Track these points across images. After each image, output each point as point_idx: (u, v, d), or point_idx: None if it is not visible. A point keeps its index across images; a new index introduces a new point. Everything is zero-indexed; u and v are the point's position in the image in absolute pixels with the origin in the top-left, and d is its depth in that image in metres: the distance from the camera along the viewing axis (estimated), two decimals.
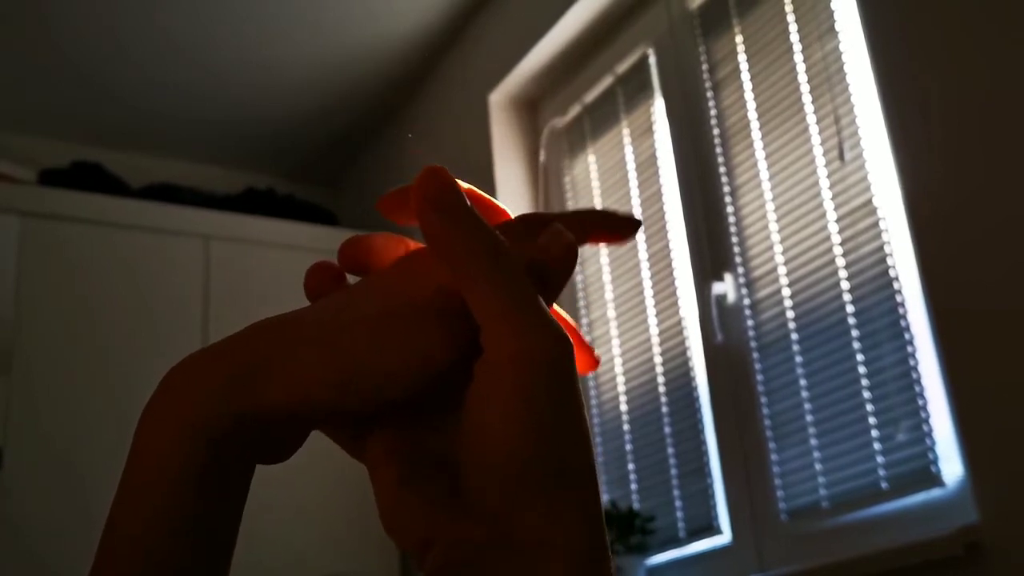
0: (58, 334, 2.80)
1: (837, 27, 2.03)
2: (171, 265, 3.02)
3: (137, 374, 2.86)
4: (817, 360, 2.00)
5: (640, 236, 2.50)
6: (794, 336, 2.05)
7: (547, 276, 0.37)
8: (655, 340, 2.41)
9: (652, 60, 2.55)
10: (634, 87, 2.59)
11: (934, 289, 1.75)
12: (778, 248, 2.11)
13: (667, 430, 2.35)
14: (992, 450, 1.63)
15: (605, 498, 2.44)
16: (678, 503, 2.29)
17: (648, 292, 2.45)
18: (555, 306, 0.39)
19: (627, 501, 2.40)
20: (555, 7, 2.67)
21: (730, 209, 2.25)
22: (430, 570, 0.35)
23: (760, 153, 2.18)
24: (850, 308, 1.94)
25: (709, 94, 2.34)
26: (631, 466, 2.44)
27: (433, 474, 0.36)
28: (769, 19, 2.20)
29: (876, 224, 1.90)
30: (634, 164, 2.56)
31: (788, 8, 2.15)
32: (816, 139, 2.05)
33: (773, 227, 2.13)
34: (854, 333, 1.92)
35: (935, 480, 1.75)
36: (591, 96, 2.74)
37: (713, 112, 2.33)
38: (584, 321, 2.61)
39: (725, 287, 2.22)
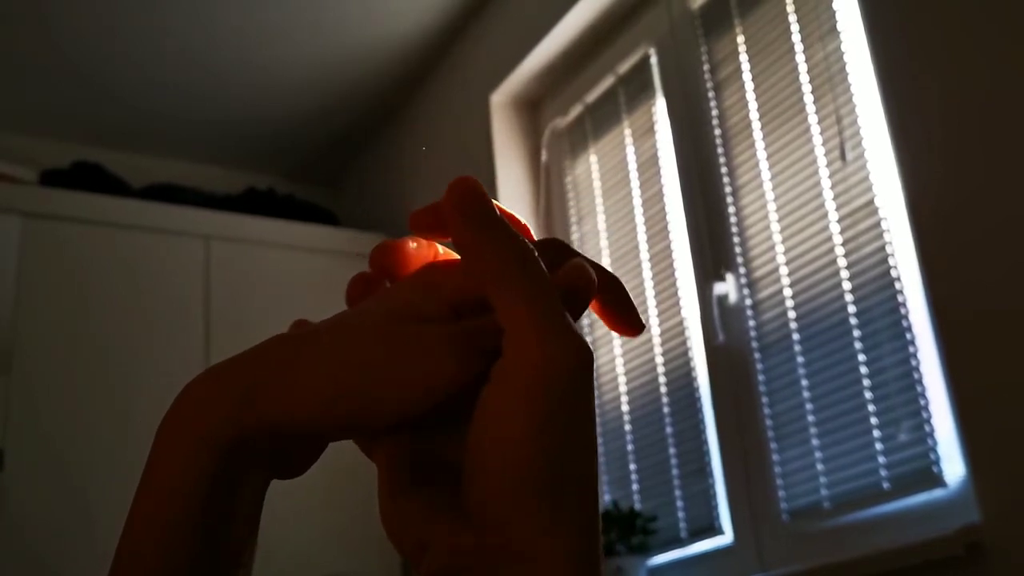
0: (59, 334, 2.80)
1: (839, 27, 2.03)
2: (172, 265, 3.02)
3: (138, 374, 2.86)
4: (818, 360, 2.00)
5: (642, 236, 2.50)
6: (795, 336, 2.05)
7: (567, 302, 0.37)
8: (656, 340, 2.41)
9: (653, 60, 2.54)
10: (635, 87, 2.59)
11: (935, 289, 1.74)
12: (779, 248, 2.11)
13: (668, 430, 2.35)
14: (993, 450, 1.63)
15: (607, 499, 2.44)
16: (679, 503, 2.29)
17: (650, 292, 2.45)
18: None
19: (628, 501, 2.39)
20: (556, 7, 2.67)
21: (731, 209, 2.25)
22: (425, 573, 0.35)
23: (761, 153, 2.18)
24: (851, 308, 1.93)
25: (710, 94, 2.34)
26: (632, 466, 2.43)
27: (435, 479, 0.36)
28: (771, 19, 2.20)
29: (877, 224, 1.90)
30: (635, 164, 2.56)
31: (790, 8, 2.15)
32: (817, 139, 2.05)
33: (775, 227, 2.13)
34: (855, 333, 1.92)
35: (936, 480, 1.75)
36: (592, 96, 2.74)
37: (714, 112, 2.32)
38: (586, 321, 2.61)
39: (726, 287, 2.22)
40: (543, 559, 0.33)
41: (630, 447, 2.45)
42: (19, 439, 2.64)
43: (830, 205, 2.00)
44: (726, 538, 2.17)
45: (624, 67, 2.63)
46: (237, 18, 2.96)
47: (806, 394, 2.00)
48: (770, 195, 2.15)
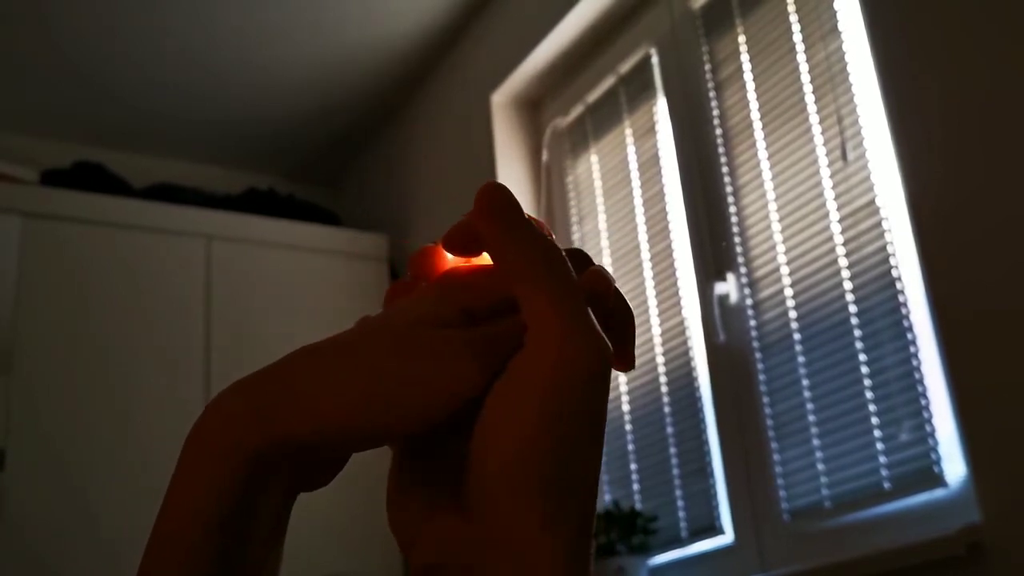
0: (59, 334, 2.80)
1: (840, 27, 2.03)
2: (173, 265, 3.02)
3: (138, 374, 2.86)
4: (819, 360, 2.00)
5: (643, 236, 2.50)
6: (796, 336, 2.05)
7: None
8: (657, 340, 2.41)
9: (655, 60, 2.54)
10: (636, 87, 2.59)
11: (936, 289, 1.74)
12: (780, 248, 2.11)
13: (669, 430, 2.35)
14: (994, 450, 1.63)
15: (607, 498, 2.44)
16: (680, 503, 2.29)
17: (650, 292, 2.45)
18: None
19: (629, 501, 2.39)
20: (557, 7, 2.67)
21: (732, 209, 2.25)
22: (416, 565, 0.36)
23: (763, 153, 2.18)
24: (852, 308, 1.93)
25: (712, 94, 2.34)
26: (633, 466, 2.43)
27: (438, 475, 0.37)
28: (772, 19, 2.20)
29: (879, 224, 1.90)
30: (636, 164, 2.56)
31: (791, 8, 2.15)
32: (819, 139, 2.05)
33: (775, 227, 2.13)
34: (856, 333, 1.92)
35: (937, 480, 1.75)
36: (593, 96, 2.74)
37: (716, 112, 2.32)
38: None
39: (727, 287, 2.22)
40: (537, 553, 0.33)
41: (631, 447, 2.45)
42: (19, 439, 2.64)
43: (831, 205, 2.00)
44: (727, 538, 2.17)
45: (625, 67, 2.63)
46: (237, 18, 2.96)
47: (807, 394, 2.00)
48: (771, 195, 2.15)
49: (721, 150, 2.29)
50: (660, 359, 2.40)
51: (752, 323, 2.16)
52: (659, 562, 2.29)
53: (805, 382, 2.01)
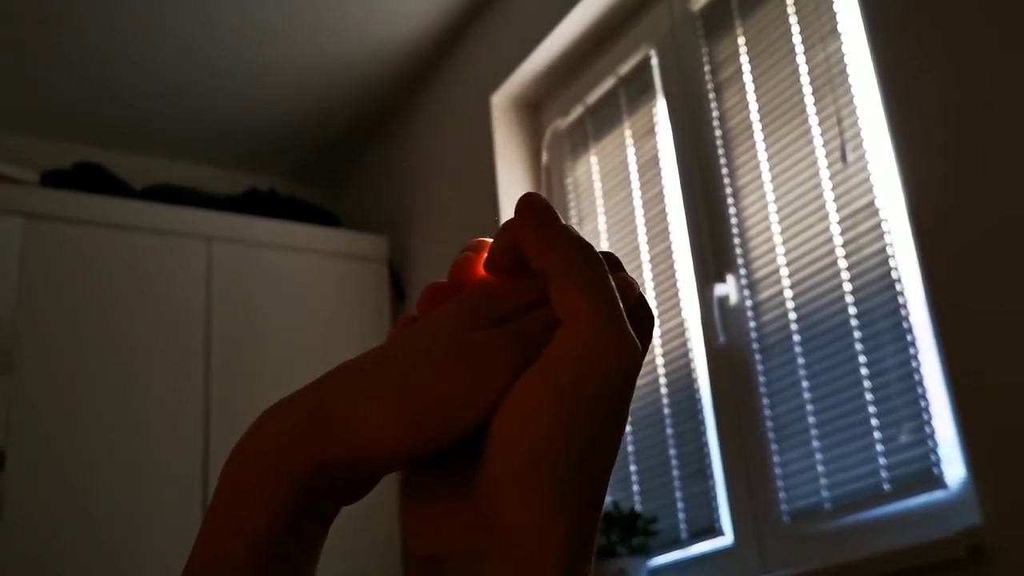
0: (60, 335, 2.80)
1: (839, 28, 2.03)
2: (173, 266, 3.02)
3: (138, 375, 2.86)
4: (819, 361, 2.00)
5: (642, 237, 2.50)
6: (796, 338, 2.05)
7: None
8: (657, 342, 2.41)
9: (654, 61, 2.54)
10: (636, 88, 2.59)
11: (936, 290, 1.74)
12: (780, 249, 2.11)
13: (669, 432, 2.35)
14: (994, 451, 1.63)
15: (607, 500, 2.44)
16: (680, 505, 2.29)
17: (650, 293, 2.45)
18: None
19: (629, 503, 2.39)
20: (557, 8, 2.67)
21: (732, 210, 2.25)
22: (416, 555, 0.36)
23: (762, 154, 2.18)
24: (852, 309, 1.93)
25: (711, 95, 2.34)
26: (633, 468, 2.43)
27: (451, 462, 0.37)
28: (771, 20, 2.20)
29: (878, 225, 1.90)
30: (636, 165, 2.56)
31: (790, 10, 2.15)
32: (818, 140, 2.05)
33: (775, 228, 2.13)
34: (856, 335, 1.92)
35: (937, 482, 1.75)
36: (593, 97, 2.74)
37: (715, 113, 2.32)
38: None
39: (727, 288, 2.22)
40: (539, 534, 0.33)
41: (631, 448, 2.45)
42: (20, 440, 2.64)
43: (831, 206, 2.00)
44: (727, 539, 2.17)
45: (625, 68, 2.63)
46: (237, 18, 2.96)
47: (807, 395, 2.00)
48: (771, 196, 2.15)
49: (721, 151, 2.29)
50: (660, 361, 2.40)
51: (752, 324, 2.16)
52: (659, 564, 2.29)
53: (805, 384, 2.01)
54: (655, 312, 2.41)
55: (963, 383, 1.68)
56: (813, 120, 2.06)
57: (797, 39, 2.13)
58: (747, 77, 2.25)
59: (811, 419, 1.99)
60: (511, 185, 2.85)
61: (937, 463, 1.75)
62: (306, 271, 3.21)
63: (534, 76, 2.87)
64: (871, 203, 1.92)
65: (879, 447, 1.85)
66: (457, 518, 0.35)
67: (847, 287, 1.95)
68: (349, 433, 0.35)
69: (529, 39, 2.78)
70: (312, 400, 0.36)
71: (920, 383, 1.80)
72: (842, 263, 1.96)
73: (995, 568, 1.60)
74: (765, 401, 2.09)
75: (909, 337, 1.83)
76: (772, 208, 2.14)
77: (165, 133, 3.46)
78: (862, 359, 1.90)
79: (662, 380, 2.38)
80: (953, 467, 1.73)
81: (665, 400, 2.37)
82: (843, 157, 1.97)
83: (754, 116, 2.21)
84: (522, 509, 0.33)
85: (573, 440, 0.34)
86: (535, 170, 2.90)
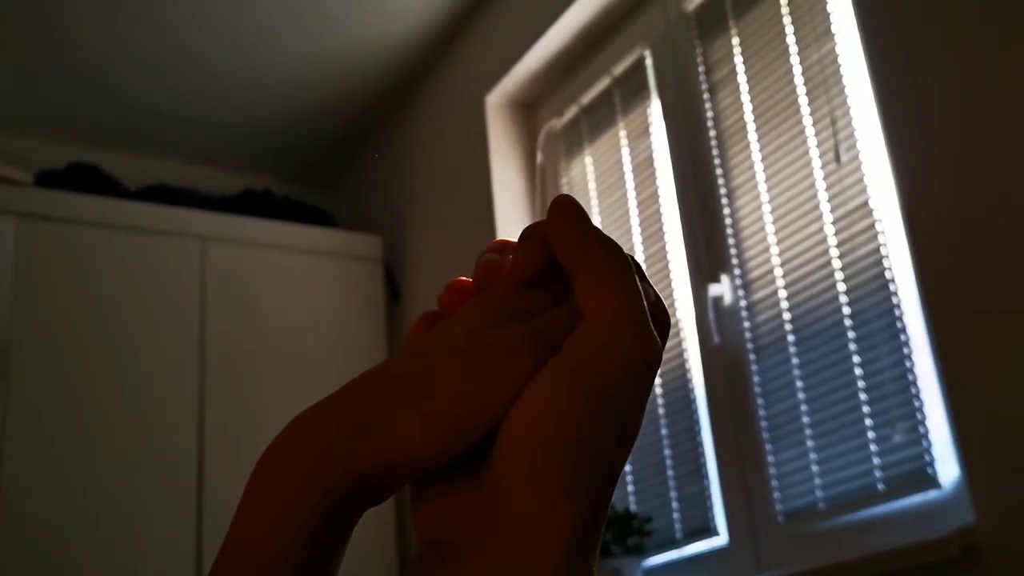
0: (55, 336, 2.80)
1: (833, 29, 2.04)
2: (168, 266, 3.02)
3: (134, 375, 2.86)
4: (814, 362, 2.00)
5: (637, 238, 2.50)
6: (791, 338, 2.05)
7: None
8: None
9: (649, 62, 2.55)
10: (631, 89, 2.60)
11: (930, 291, 1.75)
12: (775, 250, 2.11)
13: (664, 432, 2.35)
14: (988, 451, 1.63)
15: None
16: (675, 504, 2.29)
17: None
18: None
19: (624, 503, 2.40)
20: (552, 9, 2.67)
21: (727, 211, 2.25)
22: (420, 541, 0.36)
23: (756, 155, 2.19)
24: (846, 310, 1.94)
25: (706, 96, 2.34)
26: (628, 467, 2.44)
27: (460, 467, 0.37)
28: (766, 21, 2.21)
29: (872, 226, 1.91)
30: (631, 166, 2.57)
31: (785, 10, 2.16)
32: (812, 141, 2.05)
33: (769, 229, 2.13)
34: (850, 335, 1.92)
35: (931, 482, 1.75)
36: (588, 98, 2.74)
37: (710, 114, 2.33)
38: None
39: (722, 289, 2.22)
40: (548, 521, 0.33)
41: None
42: (18, 441, 2.64)
43: (825, 207, 2.00)
44: (721, 539, 2.18)
45: (619, 69, 2.64)
46: (234, 19, 2.96)
47: (801, 395, 2.01)
48: (765, 197, 2.15)
49: (715, 152, 2.30)
50: None
51: (746, 324, 2.16)
52: (654, 564, 2.29)
53: (799, 384, 2.02)
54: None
55: (957, 383, 1.69)
56: (807, 121, 2.07)
57: (791, 40, 2.13)
58: (741, 78, 2.25)
59: (805, 419, 1.99)
60: (506, 185, 2.86)
61: (931, 463, 1.76)
62: (301, 271, 3.21)
63: (529, 76, 2.88)
64: (865, 203, 1.92)
65: (873, 447, 1.86)
66: (466, 503, 0.35)
67: (841, 287, 1.95)
68: (384, 442, 0.35)
69: (524, 39, 2.78)
70: (344, 409, 0.36)
71: (914, 383, 1.80)
72: (836, 263, 1.97)
73: (989, 568, 1.60)
74: (760, 401, 2.10)
75: (903, 337, 1.83)
76: (766, 208, 2.14)
77: (161, 133, 3.45)
78: (856, 359, 1.91)
79: (657, 380, 2.39)
80: (947, 467, 1.74)
81: (660, 400, 2.37)
82: (837, 158, 1.98)
83: (748, 116, 2.22)
84: (532, 496, 0.33)
85: (588, 430, 0.34)
86: (530, 170, 2.91)
